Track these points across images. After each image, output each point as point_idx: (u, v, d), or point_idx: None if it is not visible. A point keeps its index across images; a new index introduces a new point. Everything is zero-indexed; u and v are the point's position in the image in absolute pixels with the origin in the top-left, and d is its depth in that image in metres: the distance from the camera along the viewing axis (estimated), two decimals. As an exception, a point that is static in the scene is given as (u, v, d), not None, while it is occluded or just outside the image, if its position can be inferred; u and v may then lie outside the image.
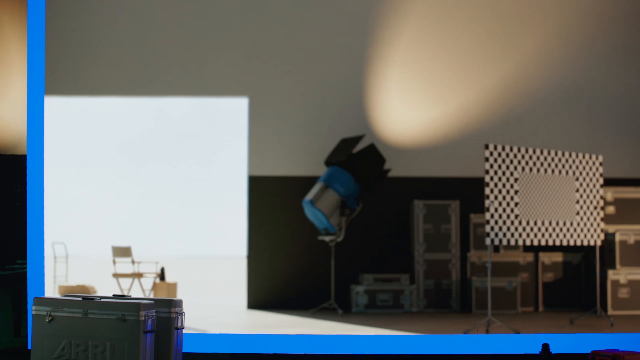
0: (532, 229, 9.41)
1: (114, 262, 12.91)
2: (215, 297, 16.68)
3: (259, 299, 12.78)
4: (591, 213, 10.06)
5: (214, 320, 10.71)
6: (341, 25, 13.21)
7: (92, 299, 6.36)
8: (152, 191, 12.65)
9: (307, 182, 12.95)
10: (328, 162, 12.20)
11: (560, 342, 8.75)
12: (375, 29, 13.23)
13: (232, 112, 12.91)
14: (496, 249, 12.63)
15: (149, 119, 12.77)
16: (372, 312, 12.01)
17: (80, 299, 6.37)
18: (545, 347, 5.82)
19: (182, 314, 6.42)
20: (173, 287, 12.59)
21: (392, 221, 13.00)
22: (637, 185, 13.37)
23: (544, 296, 12.58)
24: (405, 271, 12.92)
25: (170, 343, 6.26)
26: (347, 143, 12.16)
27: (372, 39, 13.22)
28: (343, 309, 12.53)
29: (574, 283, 12.63)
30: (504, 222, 9.14)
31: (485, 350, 9.33)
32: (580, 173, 9.99)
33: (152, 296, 13.85)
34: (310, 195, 11.71)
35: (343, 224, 11.87)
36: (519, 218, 9.29)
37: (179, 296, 14.51)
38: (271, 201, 12.88)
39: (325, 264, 12.89)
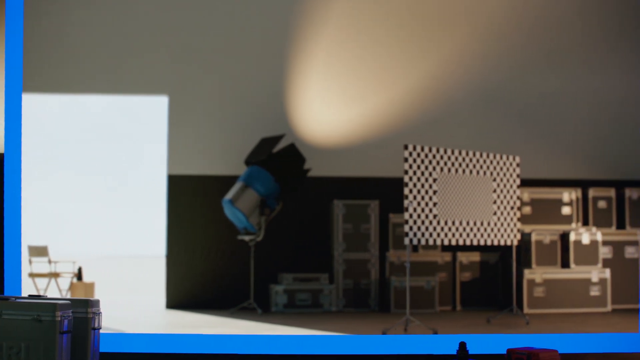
0: (450, 229, 9.50)
1: (30, 262, 12.72)
2: (134, 296, 16.52)
3: (177, 299, 12.69)
4: (508, 213, 10.19)
5: (132, 320, 10.60)
6: (261, 24, 13.18)
7: (6, 299, 6.25)
8: (70, 189, 12.49)
9: (226, 182, 12.91)
10: (248, 162, 12.17)
11: (477, 342, 8.85)
12: (296, 28, 13.24)
13: (152, 110, 12.81)
14: (415, 248, 12.72)
15: (66, 117, 12.60)
16: (291, 312, 12.01)
17: (-6, 299, 6.25)
18: (462, 345, 5.88)
19: (99, 314, 6.34)
20: (90, 287, 12.45)
21: (311, 221, 13.02)
22: (553, 186, 13.58)
23: (461, 295, 12.71)
24: (324, 271, 12.95)
25: (87, 343, 6.18)
26: (267, 142, 12.14)
27: (292, 37, 13.22)
28: (262, 309, 12.50)
29: (491, 282, 12.79)
30: (423, 222, 9.22)
31: (403, 351, 9.39)
32: (498, 174, 10.11)
33: (69, 296, 13.66)
34: (229, 195, 11.67)
35: (263, 224, 11.85)
36: (437, 218, 9.38)
37: (96, 296, 14.34)
38: (191, 200, 12.81)
39: (245, 264, 12.86)
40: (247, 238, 11.83)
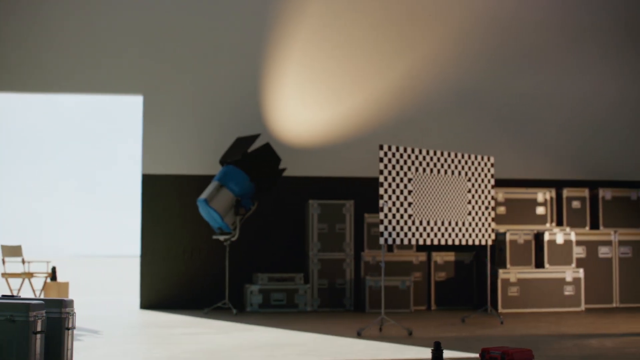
0: (425, 229, 9.52)
1: (3, 262, 12.64)
2: (108, 296, 16.47)
3: (152, 299, 12.66)
4: (482, 213, 10.21)
5: (106, 321, 10.57)
6: (237, 25, 13.18)
7: (-21, 299, 6.20)
8: (43, 189, 12.45)
9: (202, 181, 12.89)
10: (223, 161, 12.15)
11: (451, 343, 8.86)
12: (271, 29, 13.23)
13: (126, 110, 12.77)
14: (390, 248, 12.75)
15: (40, 116, 12.56)
16: (266, 312, 12.00)
17: (-33, 299, 6.21)
18: (437, 345, 5.89)
19: (73, 314, 6.32)
20: (64, 286, 12.38)
21: (286, 221, 13.02)
22: (527, 186, 13.64)
23: (436, 295, 12.75)
24: (299, 270, 12.96)
25: (61, 344, 6.15)
26: (242, 142, 12.13)
27: (268, 38, 13.22)
28: (237, 309, 12.49)
29: (465, 282, 12.83)
30: (398, 222, 9.23)
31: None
32: (473, 174, 10.13)
33: (42, 296, 13.59)
34: (204, 195, 11.65)
35: (238, 223, 11.84)
36: (412, 218, 9.39)
37: (70, 296, 14.27)
38: (165, 200, 12.78)
39: (220, 264, 12.85)
40: (222, 238, 11.81)
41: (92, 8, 12.89)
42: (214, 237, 11.94)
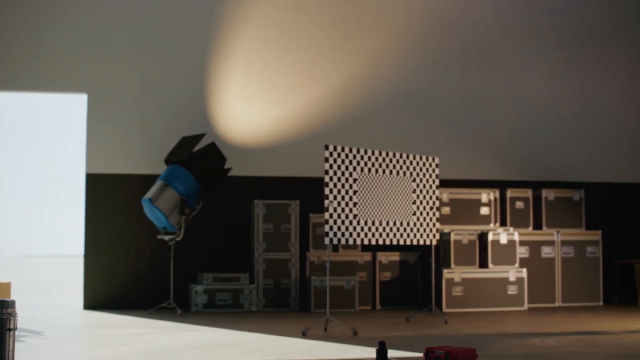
0: (370, 229, 9.54)
1: (-56, 262, 12.45)
2: (51, 297, 16.30)
3: (96, 299, 12.56)
4: (427, 213, 10.26)
5: (49, 322, 10.46)
6: (183, 24, 13.11)
7: None
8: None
9: (146, 180, 12.82)
10: (168, 161, 12.09)
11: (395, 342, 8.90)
12: (218, 28, 13.19)
13: (71, 108, 12.65)
14: (335, 248, 12.77)
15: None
16: (211, 312, 11.96)
17: None
18: (382, 344, 5.91)
19: (15, 315, 6.24)
20: (6, 287, 12.23)
21: (232, 220, 12.99)
22: (472, 186, 13.74)
23: (381, 295, 12.79)
24: (244, 270, 12.93)
25: (3, 345, 6.08)
26: (187, 141, 12.07)
27: (214, 38, 13.17)
28: (182, 309, 12.43)
29: (410, 282, 12.89)
30: (343, 222, 9.24)
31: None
32: (417, 174, 10.18)
33: (-16, 297, 13.42)
34: (149, 194, 11.57)
35: (183, 223, 11.78)
36: (357, 218, 9.41)
37: (12, 297, 14.10)
38: (109, 199, 12.68)
39: (165, 263, 12.78)
40: (167, 237, 11.75)
41: (35, 5, 12.75)
42: (159, 236, 11.88)
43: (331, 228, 9.20)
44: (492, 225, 13.10)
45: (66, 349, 7.60)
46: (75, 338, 8.55)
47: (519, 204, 13.36)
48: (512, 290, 12.41)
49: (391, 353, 7.24)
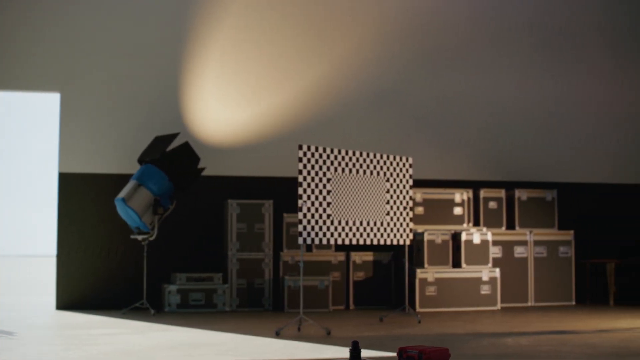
0: (343, 229, 9.55)
1: None
2: (23, 297, 16.21)
3: (68, 299, 12.50)
4: (401, 213, 10.28)
5: (21, 322, 10.40)
6: (156, 23, 13.07)
7: None
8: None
9: (119, 180, 12.76)
10: (141, 160, 12.04)
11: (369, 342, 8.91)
12: (191, 27, 13.16)
13: (43, 107, 12.58)
14: (309, 248, 12.77)
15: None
16: (184, 312, 11.93)
17: None
18: (355, 344, 5.91)
19: (-14, 315, 6.20)
20: (-22, 287, 12.15)
21: (205, 220, 12.96)
22: (445, 186, 13.78)
23: (355, 294, 12.80)
24: (218, 270, 12.91)
25: (-26, 345, 6.04)
26: (161, 141, 12.03)
27: (187, 37, 13.13)
28: (155, 309, 12.39)
29: (383, 282, 12.91)
30: (317, 222, 9.24)
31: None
32: (391, 174, 10.20)
33: (-45, 297, 13.31)
34: (122, 194, 11.52)
35: (156, 223, 11.74)
36: (331, 218, 9.41)
37: (-16, 296, 13.98)
38: (82, 199, 12.62)
39: (138, 263, 12.73)
40: (140, 237, 11.71)
41: (6, 3, 12.67)
42: (132, 236, 11.83)
43: (305, 228, 9.20)
44: (465, 225, 13.14)
45: (38, 349, 7.56)
46: (47, 338, 8.51)
47: (492, 204, 13.40)
48: (485, 290, 12.45)
49: (365, 353, 7.25)
